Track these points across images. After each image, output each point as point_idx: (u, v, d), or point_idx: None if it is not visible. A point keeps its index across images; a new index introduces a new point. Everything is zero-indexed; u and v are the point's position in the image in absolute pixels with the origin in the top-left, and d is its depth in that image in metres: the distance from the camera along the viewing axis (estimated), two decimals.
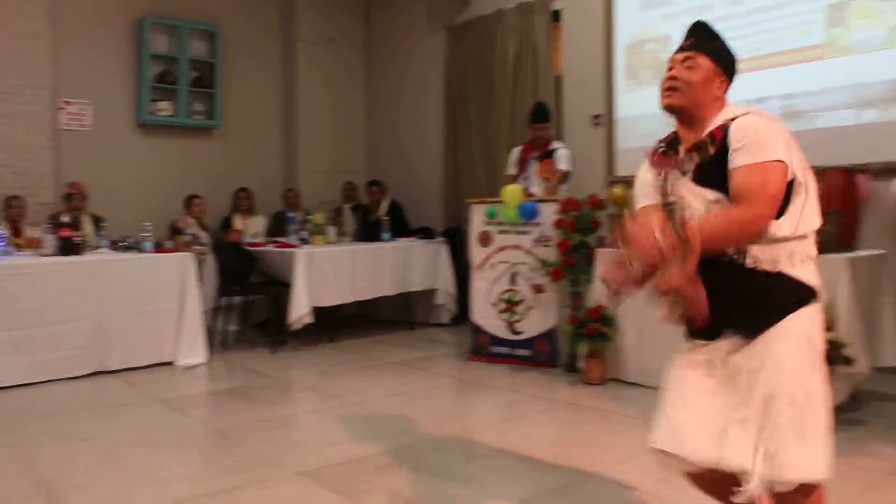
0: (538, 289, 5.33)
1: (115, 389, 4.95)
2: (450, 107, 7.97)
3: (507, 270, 5.47)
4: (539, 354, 5.35)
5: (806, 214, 2.01)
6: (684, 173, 2.09)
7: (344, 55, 9.02)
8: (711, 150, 2.02)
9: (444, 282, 7.03)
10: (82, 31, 7.45)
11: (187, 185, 7.73)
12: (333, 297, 6.32)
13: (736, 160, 1.97)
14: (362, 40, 9.20)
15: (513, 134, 7.16)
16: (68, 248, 5.41)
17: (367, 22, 9.21)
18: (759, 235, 1.96)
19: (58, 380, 5.06)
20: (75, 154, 7.36)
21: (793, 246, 2.00)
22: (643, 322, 4.67)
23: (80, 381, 5.10)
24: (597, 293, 4.86)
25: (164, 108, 7.89)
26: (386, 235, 6.97)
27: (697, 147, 2.05)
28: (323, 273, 6.19)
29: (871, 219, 4.94)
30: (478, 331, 5.61)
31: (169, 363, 5.54)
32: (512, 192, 5.40)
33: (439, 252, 7.06)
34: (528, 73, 7.04)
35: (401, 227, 7.56)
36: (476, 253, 5.64)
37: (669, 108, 2.12)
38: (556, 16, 6.95)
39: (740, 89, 6.15)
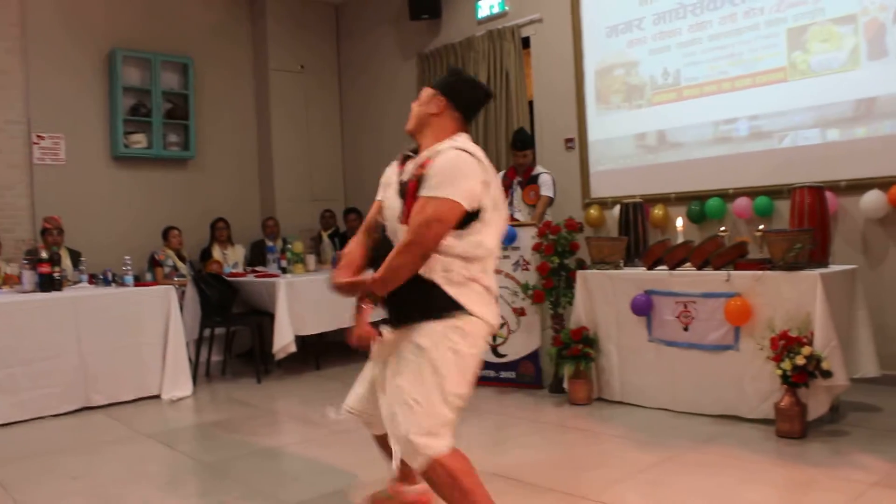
0: (520, 312, 5.40)
1: (102, 425, 4.94)
2: None
3: None
4: (524, 376, 5.42)
5: (474, 241, 2.46)
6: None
7: (317, 83, 9.09)
8: (419, 172, 2.47)
9: None
10: (54, 66, 7.45)
11: (164, 216, 7.73)
12: (316, 326, 6.34)
13: (423, 189, 2.41)
14: (335, 68, 9.30)
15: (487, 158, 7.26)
16: (48, 284, 5.40)
17: (339, 50, 9.30)
18: (424, 258, 2.39)
19: (44, 417, 5.05)
20: (50, 188, 7.35)
21: (452, 263, 2.44)
22: (624, 341, 4.78)
23: (67, 418, 5.09)
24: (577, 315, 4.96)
25: (139, 140, 7.90)
26: None
27: (414, 168, 2.52)
28: (305, 301, 6.22)
29: (839, 235, 5.12)
30: None
31: (155, 396, 5.54)
32: None
33: None
34: (501, 99, 7.16)
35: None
36: None
37: (408, 132, 2.67)
38: (525, 42, 7.09)
39: (709, 111, 6.32)
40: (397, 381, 2.46)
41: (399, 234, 2.50)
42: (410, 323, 2.48)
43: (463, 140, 2.55)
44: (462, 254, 2.44)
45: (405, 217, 2.47)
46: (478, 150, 2.52)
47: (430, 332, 2.45)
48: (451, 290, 2.45)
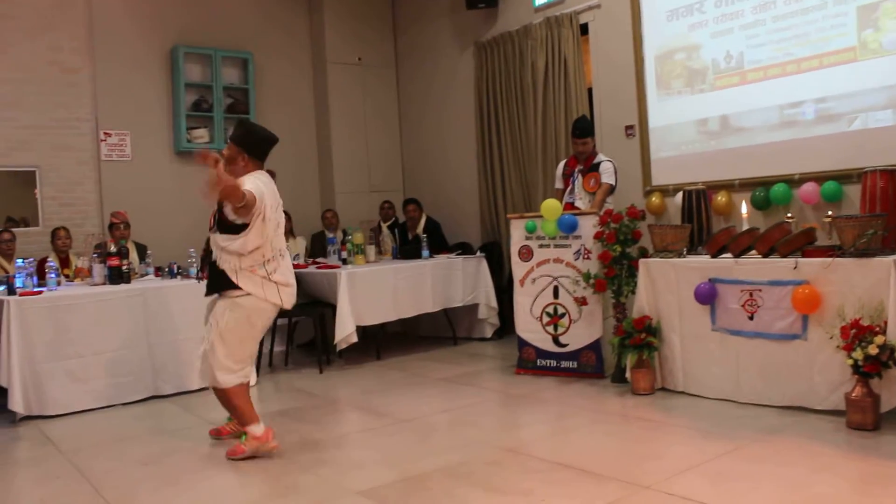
0: (581, 301, 5.36)
1: (171, 414, 5.08)
2: (482, 122, 8.03)
3: (549, 284, 5.52)
4: (585, 366, 5.38)
5: (246, 241, 3.77)
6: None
7: (374, 75, 9.13)
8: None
9: (485, 296, 7.08)
10: (119, 64, 7.63)
11: None
12: (377, 316, 6.40)
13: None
14: (392, 59, 9.32)
15: (546, 147, 7.21)
16: (117, 276, 5.55)
17: (396, 41, 9.32)
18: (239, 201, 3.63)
19: (114, 405, 5.22)
20: (117, 184, 7.54)
21: (234, 260, 3.81)
22: (687, 330, 4.70)
23: (136, 407, 5.25)
24: (640, 303, 4.90)
25: (201, 135, 8.04)
26: (425, 253, 7.04)
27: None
28: (366, 292, 6.27)
29: None
30: (523, 345, 5.65)
31: None
32: (550, 205, 5.46)
33: (479, 267, 7.12)
34: (559, 86, 7.09)
35: (439, 243, 7.63)
36: (517, 268, 5.68)
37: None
38: (583, 29, 7.00)
39: (774, 95, 6.11)
40: (209, 333, 3.94)
41: (213, 238, 3.95)
42: (216, 292, 3.94)
43: (258, 174, 3.90)
44: (237, 251, 3.78)
45: (210, 223, 3.95)
46: (264, 184, 3.86)
47: (223, 301, 3.88)
48: (235, 276, 3.82)
